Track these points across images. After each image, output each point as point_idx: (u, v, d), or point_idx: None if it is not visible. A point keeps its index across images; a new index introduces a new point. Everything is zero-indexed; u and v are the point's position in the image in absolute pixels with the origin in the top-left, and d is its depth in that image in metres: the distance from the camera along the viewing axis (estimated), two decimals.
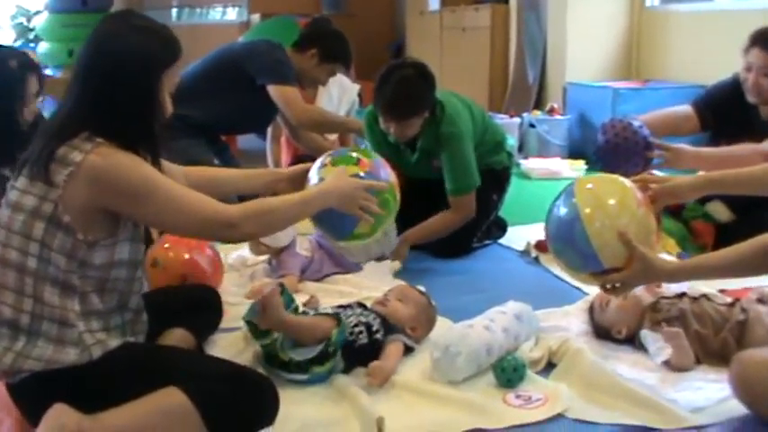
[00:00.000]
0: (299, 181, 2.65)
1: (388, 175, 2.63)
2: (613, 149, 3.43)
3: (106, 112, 2.01)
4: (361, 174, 2.55)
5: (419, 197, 3.60)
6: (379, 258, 3.51)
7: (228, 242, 2.32)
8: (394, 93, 3.45)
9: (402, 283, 3.07)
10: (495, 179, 3.91)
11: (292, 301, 2.54)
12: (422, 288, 2.89)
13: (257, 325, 2.42)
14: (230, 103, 4.19)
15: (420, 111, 3.50)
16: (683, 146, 3.41)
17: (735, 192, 2.65)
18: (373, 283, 3.29)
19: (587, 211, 2.29)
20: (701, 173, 2.53)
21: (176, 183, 2.11)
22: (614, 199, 2.32)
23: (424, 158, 3.70)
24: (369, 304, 2.71)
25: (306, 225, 2.72)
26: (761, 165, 2.50)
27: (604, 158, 3.49)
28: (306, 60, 4.21)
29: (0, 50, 3.32)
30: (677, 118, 3.83)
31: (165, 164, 2.34)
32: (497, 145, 3.93)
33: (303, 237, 3.45)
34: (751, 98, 3.52)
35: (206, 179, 2.58)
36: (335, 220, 2.52)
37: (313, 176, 2.60)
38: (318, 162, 2.63)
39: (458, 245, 3.76)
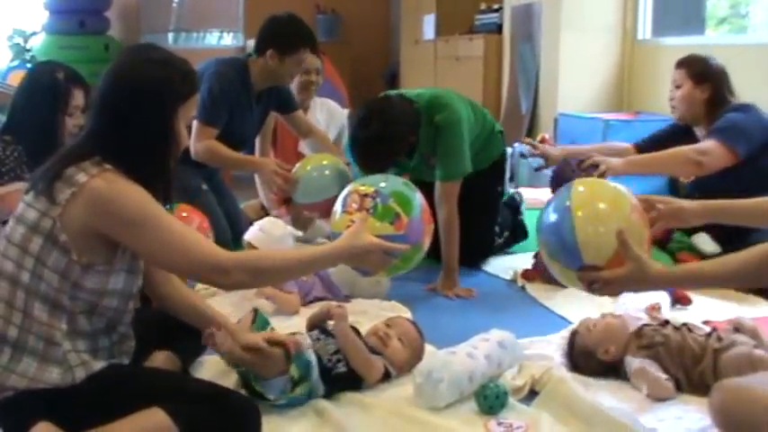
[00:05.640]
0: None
1: (420, 236, 2.64)
2: (556, 179, 3.70)
3: (119, 141, 2.05)
4: (392, 235, 2.54)
5: None
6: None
7: (218, 287, 2.30)
8: (365, 156, 3.50)
9: (400, 314, 3.08)
10: (497, 170, 4.05)
11: (267, 323, 2.54)
12: (409, 316, 2.89)
13: None
14: None
15: (395, 156, 3.56)
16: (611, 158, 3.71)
17: (738, 222, 2.68)
18: (365, 308, 3.31)
19: (578, 207, 2.30)
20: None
21: (178, 220, 2.12)
22: (607, 200, 2.33)
23: (423, 160, 3.75)
24: (363, 331, 2.70)
25: None
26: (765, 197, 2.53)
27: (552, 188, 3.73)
28: (268, 62, 4.14)
29: (49, 63, 3.51)
30: (616, 147, 4.14)
31: None
32: (492, 133, 3.98)
33: None
34: (673, 114, 3.92)
35: None
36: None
37: (338, 210, 2.66)
38: (354, 200, 2.65)
39: (482, 245, 3.96)
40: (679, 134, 3.93)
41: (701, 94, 3.81)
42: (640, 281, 2.19)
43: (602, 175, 3.52)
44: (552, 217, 2.36)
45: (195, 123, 4.04)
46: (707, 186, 3.70)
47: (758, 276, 2.16)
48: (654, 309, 2.88)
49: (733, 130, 3.63)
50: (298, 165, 3.90)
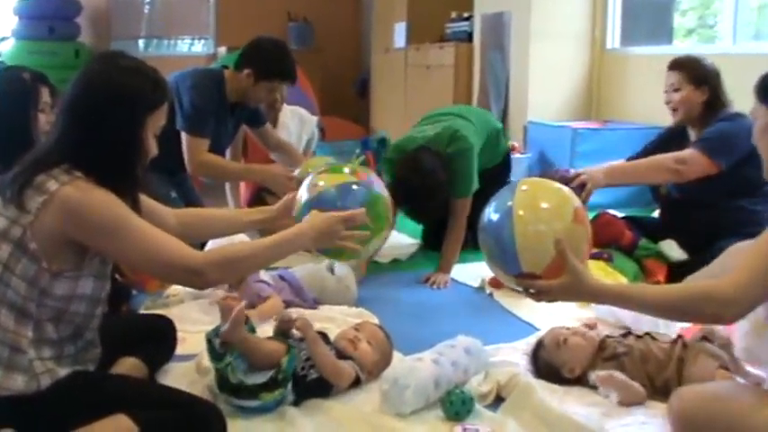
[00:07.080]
0: (289, 215, 2.71)
1: (381, 188, 2.74)
2: None
3: (88, 149, 2.03)
4: (350, 182, 2.65)
5: None
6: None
7: (193, 288, 2.30)
8: (417, 208, 4.00)
9: (368, 319, 3.09)
10: (504, 167, 4.63)
11: (253, 331, 2.55)
12: (376, 322, 2.90)
13: (215, 346, 2.42)
14: (172, 138, 4.05)
15: (441, 198, 3.96)
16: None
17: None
18: (332, 314, 3.31)
19: (520, 211, 2.25)
20: None
21: (149, 224, 2.11)
22: (549, 205, 2.28)
23: None
24: (332, 337, 2.70)
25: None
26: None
27: None
28: (243, 80, 4.14)
29: (13, 66, 3.76)
30: None
31: (152, 203, 2.38)
32: (497, 133, 4.51)
33: (267, 273, 3.49)
34: (672, 117, 3.90)
35: (199, 219, 2.66)
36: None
37: (303, 195, 2.67)
38: (307, 181, 2.71)
39: None
40: (671, 140, 3.92)
41: (701, 96, 3.79)
42: (575, 293, 2.20)
43: (588, 194, 3.63)
44: (494, 220, 2.31)
45: (185, 138, 4.07)
46: (687, 188, 3.77)
47: (682, 315, 2.19)
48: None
49: (719, 142, 3.64)
50: (299, 169, 3.87)
